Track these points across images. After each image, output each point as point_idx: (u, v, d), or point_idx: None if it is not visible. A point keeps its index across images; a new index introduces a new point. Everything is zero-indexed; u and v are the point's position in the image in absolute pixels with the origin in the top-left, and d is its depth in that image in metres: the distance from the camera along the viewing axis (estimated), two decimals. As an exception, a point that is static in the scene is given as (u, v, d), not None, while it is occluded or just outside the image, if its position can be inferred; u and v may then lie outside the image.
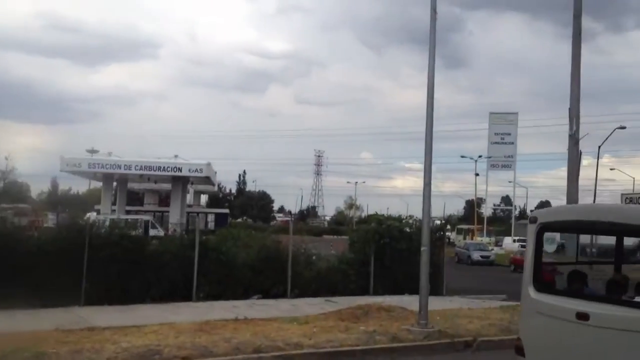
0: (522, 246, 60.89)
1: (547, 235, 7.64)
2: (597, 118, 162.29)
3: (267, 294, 17.84)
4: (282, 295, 17.86)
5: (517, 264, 41.29)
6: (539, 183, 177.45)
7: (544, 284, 7.36)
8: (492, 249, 50.69)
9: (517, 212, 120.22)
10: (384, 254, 19.41)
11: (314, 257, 19.56)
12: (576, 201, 14.55)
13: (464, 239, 67.24)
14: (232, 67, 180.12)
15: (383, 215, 21.56)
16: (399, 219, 20.66)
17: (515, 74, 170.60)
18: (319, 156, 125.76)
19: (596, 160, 48.34)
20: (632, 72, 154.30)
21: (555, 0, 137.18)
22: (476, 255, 45.92)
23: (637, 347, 5.86)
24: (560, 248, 8.04)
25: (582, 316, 6.38)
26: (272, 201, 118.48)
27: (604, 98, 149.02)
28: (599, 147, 46.58)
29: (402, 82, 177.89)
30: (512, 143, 64.75)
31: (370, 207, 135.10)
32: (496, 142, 64.74)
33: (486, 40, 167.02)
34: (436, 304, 15.72)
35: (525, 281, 7.34)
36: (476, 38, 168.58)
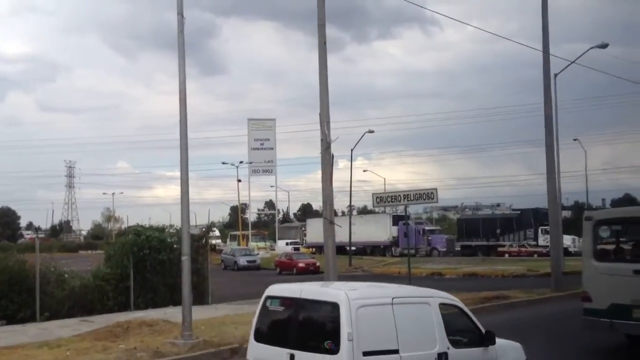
0: (295, 249, 63.08)
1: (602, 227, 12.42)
2: (348, 123, 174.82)
3: (12, 320, 16.00)
4: (30, 319, 16.12)
5: (282, 267, 42.59)
6: (300, 186, 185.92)
7: (601, 256, 11.96)
8: (258, 254, 51.66)
9: (280, 216, 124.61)
10: (144, 266, 18.54)
11: (66, 275, 17.98)
12: (331, 202, 15.20)
13: (239, 244, 67.82)
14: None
15: (142, 226, 20.55)
16: (159, 229, 19.88)
17: (271, 81, 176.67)
18: (70, 167, 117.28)
19: (350, 163, 51.95)
20: (377, 79, 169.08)
21: (303, 10, 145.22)
22: (242, 261, 46.44)
23: None
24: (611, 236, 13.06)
25: (638, 272, 10.87)
26: (18, 217, 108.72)
27: (354, 104, 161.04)
28: (352, 150, 50.07)
29: (156, 88, 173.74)
30: (272, 148, 66.25)
31: (132, 218, 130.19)
32: (256, 148, 65.72)
33: (241, 48, 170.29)
34: (202, 313, 15.47)
35: (586, 257, 12.04)
36: (232, 45, 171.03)
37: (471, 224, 59.51)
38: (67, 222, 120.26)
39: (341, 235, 61.27)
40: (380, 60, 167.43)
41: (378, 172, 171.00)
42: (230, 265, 46.85)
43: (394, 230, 59.57)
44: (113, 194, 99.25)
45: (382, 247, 59.89)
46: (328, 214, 15.07)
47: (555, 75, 33.16)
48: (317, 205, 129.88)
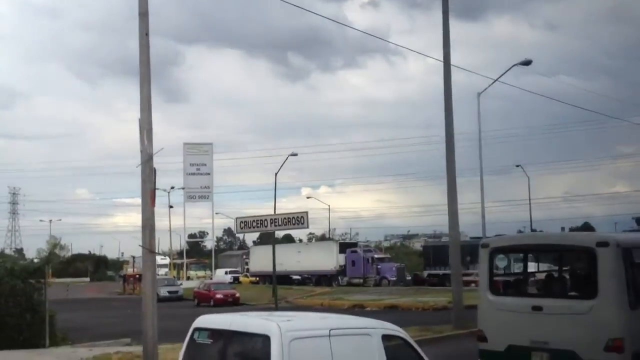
0: (235, 278, 59.99)
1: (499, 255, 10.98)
2: (309, 149, 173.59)
3: None
4: None
5: (200, 298, 39.61)
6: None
7: (498, 289, 10.61)
8: (181, 284, 48.62)
9: (238, 244, 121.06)
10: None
11: None
12: (152, 226, 12.55)
13: (178, 274, 64.54)
14: None
15: None
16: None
17: (232, 109, 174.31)
18: (14, 194, 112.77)
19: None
20: (340, 108, 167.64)
21: (267, 38, 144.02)
22: (163, 291, 43.43)
23: (576, 324, 8.94)
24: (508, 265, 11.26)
25: (537, 308, 9.43)
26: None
27: (315, 131, 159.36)
28: (276, 174, 47.38)
29: (117, 116, 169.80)
30: (208, 174, 62.57)
31: (83, 246, 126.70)
32: (192, 173, 62.31)
33: (204, 76, 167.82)
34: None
35: (482, 289, 10.39)
36: (195, 73, 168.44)
37: (438, 252, 53.68)
38: (18, 250, 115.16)
39: (286, 265, 59.08)
40: (344, 90, 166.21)
41: (342, 200, 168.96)
42: (151, 296, 43.77)
43: (340, 259, 56.64)
44: (50, 221, 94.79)
45: (328, 276, 56.65)
46: (147, 242, 12.41)
47: (479, 94, 31.66)
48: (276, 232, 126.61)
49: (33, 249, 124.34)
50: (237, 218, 17.53)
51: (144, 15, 12.66)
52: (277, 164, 50.01)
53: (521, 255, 12.07)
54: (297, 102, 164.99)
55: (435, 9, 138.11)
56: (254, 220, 16.96)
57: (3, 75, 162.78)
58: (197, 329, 6.72)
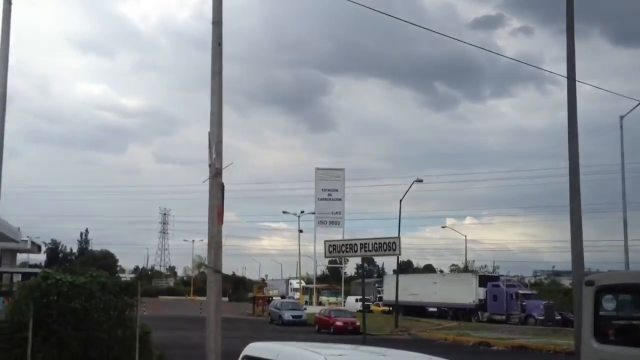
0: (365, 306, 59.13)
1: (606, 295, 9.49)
2: (452, 177, 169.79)
3: None
4: None
5: (320, 324, 38.86)
6: (403, 243, 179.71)
7: (605, 336, 9.30)
8: (305, 308, 48.23)
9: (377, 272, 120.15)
10: (49, 315, 15.78)
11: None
12: (219, 245, 11.88)
13: (310, 299, 64.80)
14: (88, 123, 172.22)
15: (56, 268, 17.92)
16: (76, 272, 17.12)
17: (376, 137, 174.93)
18: (164, 214, 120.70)
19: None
20: (487, 137, 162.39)
21: (412, 67, 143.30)
22: (287, 315, 43.46)
23: None
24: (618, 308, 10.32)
25: None
26: (116, 260, 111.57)
27: (461, 161, 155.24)
28: (400, 201, 45.85)
29: (264, 143, 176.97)
30: (340, 199, 62.65)
31: (229, 267, 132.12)
32: (323, 199, 62.48)
33: (351, 104, 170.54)
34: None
35: (585, 335, 9.39)
36: (342, 101, 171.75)
37: None
38: (170, 268, 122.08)
39: (421, 296, 56.82)
40: (492, 118, 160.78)
41: (488, 232, 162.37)
42: (276, 319, 43.99)
43: (480, 292, 53.40)
44: (193, 241, 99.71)
45: (467, 310, 53.58)
46: (212, 261, 11.72)
47: (621, 117, 28.85)
48: (416, 262, 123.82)
49: (180, 267, 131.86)
50: (325, 241, 16.62)
51: (217, 24, 12.15)
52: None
53: (631, 295, 10.21)
54: (443, 131, 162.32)
55: (592, 35, 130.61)
56: (343, 245, 15.98)
57: (165, 104, 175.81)
58: (246, 357, 6.43)
